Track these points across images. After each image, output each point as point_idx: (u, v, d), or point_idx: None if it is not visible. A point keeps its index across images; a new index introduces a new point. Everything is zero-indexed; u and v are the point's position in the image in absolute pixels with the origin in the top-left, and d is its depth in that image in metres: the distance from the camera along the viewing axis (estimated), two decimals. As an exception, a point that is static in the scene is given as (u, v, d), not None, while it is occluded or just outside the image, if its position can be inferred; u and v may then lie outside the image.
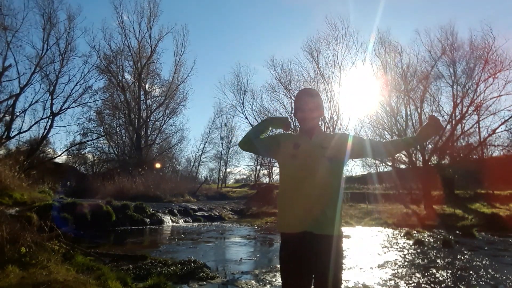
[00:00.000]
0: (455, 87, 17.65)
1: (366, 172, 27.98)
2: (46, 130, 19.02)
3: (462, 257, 6.95)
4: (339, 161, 2.07)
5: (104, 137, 25.42)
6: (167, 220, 12.96)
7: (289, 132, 2.30)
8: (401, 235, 10.31)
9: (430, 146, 18.27)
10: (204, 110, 58.82)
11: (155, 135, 27.68)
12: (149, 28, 25.91)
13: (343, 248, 2.02)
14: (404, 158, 19.16)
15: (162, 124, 27.40)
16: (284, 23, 55.18)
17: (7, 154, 17.57)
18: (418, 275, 5.45)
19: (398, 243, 8.79)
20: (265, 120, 2.34)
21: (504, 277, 5.35)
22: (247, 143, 2.23)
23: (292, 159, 2.05)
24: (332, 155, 2.02)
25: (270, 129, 2.31)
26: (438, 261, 6.62)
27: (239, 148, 2.62)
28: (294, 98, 2.25)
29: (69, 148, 22.96)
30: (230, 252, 7.74)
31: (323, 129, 18.54)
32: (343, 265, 2.01)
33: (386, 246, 8.28)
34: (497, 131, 16.92)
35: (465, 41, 17.93)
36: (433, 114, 18.33)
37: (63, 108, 19.41)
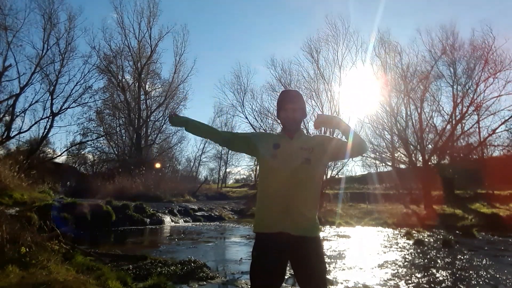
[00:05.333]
0: (455, 87, 17.69)
1: (366, 172, 27.99)
2: (46, 130, 19.01)
3: (462, 257, 6.96)
4: (318, 163, 2.05)
5: (104, 137, 25.39)
6: (167, 220, 12.96)
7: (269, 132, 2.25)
8: (401, 235, 10.31)
9: (430, 146, 18.30)
10: (204, 110, 58.86)
11: (155, 135, 27.66)
12: (149, 28, 25.88)
13: (323, 250, 2.01)
14: (404, 158, 19.18)
15: (162, 124, 27.35)
16: (284, 23, 55.22)
17: (7, 154, 17.57)
18: (418, 275, 5.45)
19: (398, 243, 8.79)
20: (185, 127, 2.27)
21: (504, 277, 5.35)
22: (226, 145, 2.33)
23: (271, 159, 2.02)
24: (312, 157, 2.01)
25: (189, 123, 2.25)
26: (438, 261, 6.62)
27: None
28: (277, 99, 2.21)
29: (69, 148, 22.96)
30: (230, 252, 7.74)
31: (323, 130, 18.38)
32: (327, 267, 1.99)
33: (386, 246, 8.28)
34: (497, 131, 16.96)
35: (465, 41, 17.98)
36: (433, 113, 18.35)
37: (63, 108, 19.38)
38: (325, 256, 2.07)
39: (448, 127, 17.91)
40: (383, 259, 6.65)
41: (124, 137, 26.95)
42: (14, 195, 9.99)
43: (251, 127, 21.19)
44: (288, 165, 1.97)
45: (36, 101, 18.13)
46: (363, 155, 19.45)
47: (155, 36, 26.22)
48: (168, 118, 2.27)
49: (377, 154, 20.02)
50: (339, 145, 2.11)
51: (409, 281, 5.05)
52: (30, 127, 18.45)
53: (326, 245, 8.24)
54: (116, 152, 26.53)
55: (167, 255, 6.57)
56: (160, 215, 12.94)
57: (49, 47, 18.68)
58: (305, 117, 2.23)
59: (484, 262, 6.48)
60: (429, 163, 18.02)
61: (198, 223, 13.61)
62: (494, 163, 18.61)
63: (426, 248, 8.14)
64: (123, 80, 25.68)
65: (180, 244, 8.34)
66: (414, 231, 10.88)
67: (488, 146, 19.16)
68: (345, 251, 7.49)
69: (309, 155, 2.01)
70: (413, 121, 18.69)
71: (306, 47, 20.98)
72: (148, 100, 26.73)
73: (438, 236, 10.19)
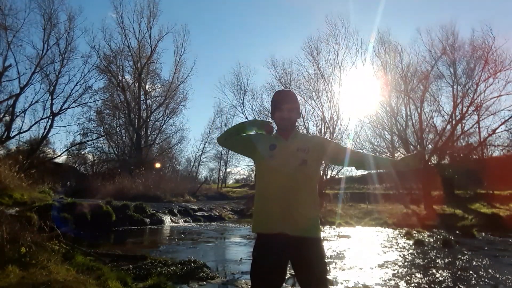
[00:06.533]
0: (455, 87, 17.67)
1: (366, 172, 27.91)
2: (46, 130, 19.02)
3: (462, 257, 6.95)
4: (315, 164, 2.06)
5: (104, 137, 25.43)
6: (167, 220, 12.95)
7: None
8: (401, 235, 10.30)
9: (430, 146, 18.29)
10: (204, 110, 58.90)
11: (155, 135, 27.67)
12: (149, 28, 25.90)
13: (324, 250, 2.02)
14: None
15: (162, 124, 27.40)
16: (284, 23, 55.23)
17: (7, 154, 17.58)
18: (418, 275, 5.45)
19: (398, 243, 8.79)
20: (248, 121, 2.30)
21: (504, 277, 5.35)
22: (226, 141, 2.23)
23: (268, 160, 2.03)
24: (308, 157, 2.01)
25: (252, 130, 2.26)
26: (438, 261, 6.62)
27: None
28: (271, 99, 2.21)
29: (69, 148, 22.96)
30: (230, 252, 7.74)
31: (323, 129, 18.29)
32: (327, 267, 2.00)
33: (386, 246, 8.28)
34: (497, 131, 16.93)
35: (465, 41, 17.96)
36: (433, 113, 18.35)
37: (63, 108, 19.42)
38: (325, 257, 2.08)
39: (448, 127, 17.90)
40: (383, 259, 6.65)
41: (124, 137, 26.98)
42: (14, 195, 9.99)
43: (251, 127, 21.18)
44: (285, 166, 1.98)
45: (36, 101, 18.20)
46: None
47: (155, 36, 26.27)
48: (269, 126, 2.22)
49: (377, 154, 20.02)
50: (338, 149, 2.14)
51: (409, 281, 5.05)
52: (30, 127, 18.51)
53: (326, 245, 8.24)
54: (116, 152, 26.55)
55: (167, 255, 6.57)
56: (160, 215, 12.94)
57: (49, 47, 18.74)
58: (300, 117, 2.24)
59: (484, 262, 6.48)
60: (429, 163, 18.00)
61: (198, 223, 13.61)
62: (494, 163, 18.60)
63: (426, 248, 8.14)
64: (123, 80, 25.72)
65: (180, 244, 8.34)
66: (414, 231, 10.88)
67: (488, 146, 19.16)
68: (345, 251, 7.49)
69: (306, 156, 2.01)
70: (413, 121, 18.70)
71: (306, 47, 21.03)
72: (148, 100, 26.78)
73: (438, 236, 10.19)
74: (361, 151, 2.13)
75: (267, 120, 2.30)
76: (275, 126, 2.20)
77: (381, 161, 2.17)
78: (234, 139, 2.22)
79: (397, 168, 2.09)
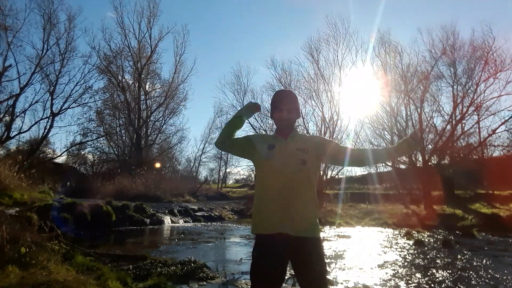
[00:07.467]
0: (455, 87, 17.67)
1: (366, 172, 27.92)
2: (46, 130, 19.01)
3: (462, 257, 6.95)
4: (314, 164, 2.06)
5: (104, 137, 25.40)
6: (167, 220, 12.95)
7: (264, 133, 2.20)
8: (401, 235, 10.30)
9: (430, 146, 18.29)
10: (204, 110, 58.86)
11: (155, 135, 27.66)
12: (149, 28, 25.87)
13: (324, 250, 2.03)
14: (404, 158, 19.17)
15: (162, 124, 27.39)
16: (284, 23, 55.29)
17: (7, 154, 17.58)
18: (418, 275, 5.44)
19: (398, 243, 8.78)
20: (236, 114, 2.23)
21: (504, 277, 5.35)
22: (224, 143, 2.17)
23: (267, 160, 2.03)
24: (307, 157, 2.01)
25: (244, 120, 2.22)
26: (438, 261, 6.62)
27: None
28: (271, 99, 2.20)
29: (69, 148, 22.94)
30: (230, 252, 7.74)
31: (323, 129, 18.26)
32: (327, 267, 2.00)
33: (386, 246, 8.28)
34: (497, 131, 16.95)
35: (465, 41, 17.97)
36: (433, 113, 18.36)
37: (63, 108, 19.41)
38: (325, 257, 2.08)
39: (448, 127, 17.91)
40: (383, 259, 6.65)
41: (124, 137, 26.98)
42: (14, 195, 9.99)
43: (251, 127, 21.21)
44: (284, 166, 1.98)
45: (36, 101, 18.19)
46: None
47: (155, 36, 26.25)
48: (255, 104, 2.24)
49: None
50: (337, 149, 2.13)
51: (409, 281, 5.05)
52: (30, 127, 18.49)
53: (326, 245, 8.24)
54: (116, 152, 26.55)
55: (167, 255, 6.57)
56: (160, 215, 12.94)
57: (49, 47, 18.73)
58: (299, 118, 2.23)
59: (484, 262, 6.48)
60: (429, 163, 18.01)
61: (198, 223, 13.61)
62: (494, 163, 18.59)
63: (426, 248, 8.14)
64: (123, 80, 25.71)
65: (180, 244, 8.34)
66: (414, 231, 10.88)
67: (488, 146, 19.16)
68: (345, 251, 7.49)
69: (305, 156, 2.01)
70: (413, 121, 18.69)
71: (306, 47, 21.06)
72: (148, 100, 26.77)
73: (438, 236, 10.19)
74: (360, 148, 2.11)
75: (252, 102, 2.25)
76: (273, 125, 2.20)
77: (379, 155, 2.13)
78: (231, 141, 2.18)
79: (395, 158, 2.06)
